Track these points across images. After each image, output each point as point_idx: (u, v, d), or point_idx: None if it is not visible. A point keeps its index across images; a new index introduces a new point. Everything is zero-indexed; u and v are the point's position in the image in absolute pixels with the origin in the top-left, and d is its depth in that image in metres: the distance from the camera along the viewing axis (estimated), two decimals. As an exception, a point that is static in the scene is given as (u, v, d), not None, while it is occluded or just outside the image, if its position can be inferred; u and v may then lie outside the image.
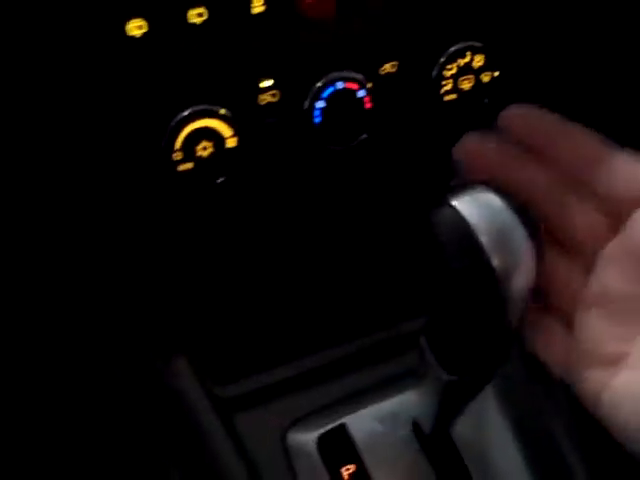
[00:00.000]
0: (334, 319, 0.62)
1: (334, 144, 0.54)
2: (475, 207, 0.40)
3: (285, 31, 0.49)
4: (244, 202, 0.56)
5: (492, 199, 0.40)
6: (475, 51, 0.55)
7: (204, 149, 0.51)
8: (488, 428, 0.60)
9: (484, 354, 0.45)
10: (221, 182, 0.53)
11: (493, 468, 0.59)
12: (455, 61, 0.54)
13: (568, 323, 0.42)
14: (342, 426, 0.59)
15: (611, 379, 0.39)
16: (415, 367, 0.52)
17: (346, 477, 0.57)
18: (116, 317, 0.59)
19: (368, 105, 0.54)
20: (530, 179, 0.43)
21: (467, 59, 0.55)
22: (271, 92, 0.52)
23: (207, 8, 0.47)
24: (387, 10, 0.52)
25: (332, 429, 0.59)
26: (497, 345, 0.44)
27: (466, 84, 0.55)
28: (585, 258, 0.42)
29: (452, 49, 0.54)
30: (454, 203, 0.40)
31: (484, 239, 0.39)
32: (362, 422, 0.59)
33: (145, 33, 0.46)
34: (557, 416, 0.61)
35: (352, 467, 0.57)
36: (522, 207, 0.40)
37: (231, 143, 0.51)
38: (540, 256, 0.40)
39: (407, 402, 0.59)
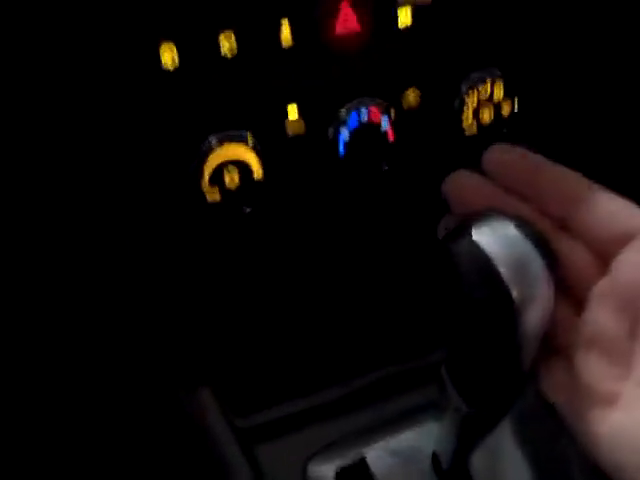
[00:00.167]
0: (355, 350, 0.63)
1: (357, 175, 0.56)
2: (494, 238, 0.40)
3: (312, 63, 0.51)
4: (270, 231, 0.57)
5: (511, 230, 0.40)
6: (494, 79, 0.56)
7: (232, 181, 0.52)
8: (505, 462, 0.59)
9: (502, 386, 0.45)
10: (248, 212, 0.54)
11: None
12: (475, 89, 0.56)
13: (569, 363, 0.42)
14: (362, 459, 0.59)
15: (606, 419, 0.39)
16: (435, 399, 0.53)
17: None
18: (141, 349, 0.60)
19: (391, 138, 0.55)
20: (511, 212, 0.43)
21: (487, 87, 0.56)
22: (297, 124, 0.53)
23: (238, 42, 0.49)
24: (410, 41, 0.53)
25: (352, 461, 0.59)
26: (515, 377, 0.44)
27: (486, 117, 0.57)
28: (577, 296, 0.42)
29: (472, 76, 0.56)
30: (473, 234, 0.41)
31: (503, 270, 0.39)
32: (381, 455, 0.59)
33: (178, 66, 0.48)
34: (572, 450, 0.61)
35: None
36: (540, 238, 0.40)
37: (258, 175, 0.53)
38: (557, 285, 0.41)
39: (427, 435, 0.59)
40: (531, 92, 0.58)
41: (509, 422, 0.59)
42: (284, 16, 0.49)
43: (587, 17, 0.58)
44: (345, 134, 0.54)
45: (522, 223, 0.41)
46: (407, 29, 0.52)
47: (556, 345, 0.43)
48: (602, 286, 0.41)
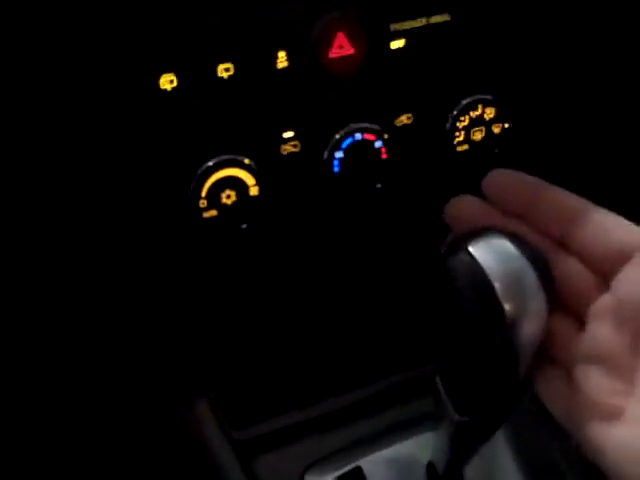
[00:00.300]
0: (351, 363, 0.64)
1: (351, 193, 0.57)
2: (490, 253, 0.41)
3: (307, 85, 0.52)
4: (266, 247, 0.58)
5: (506, 245, 0.41)
6: (486, 104, 0.57)
7: (228, 197, 0.53)
8: (499, 469, 0.60)
9: (497, 397, 0.46)
10: (244, 228, 0.55)
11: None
12: (467, 113, 0.57)
13: (568, 375, 0.43)
14: (358, 469, 0.60)
15: (610, 433, 0.40)
16: (431, 410, 0.54)
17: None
18: (140, 362, 0.61)
19: (384, 156, 0.56)
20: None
21: (478, 112, 0.57)
22: (292, 143, 0.54)
23: (234, 64, 0.50)
24: (404, 66, 0.54)
25: (348, 472, 0.60)
26: (508, 389, 0.45)
27: (478, 135, 0.58)
28: (577, 312, 0.43)
29: (464, 102, 0.57)
30: (470, 249, 0.41)
31: (497, 284, 0.40)
32: (377, 465, 0.60)
33: (175, 87, 0.49)
34: (566, 457, 0.62)
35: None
36: (535, 254, 0.41)
37: (254, 192, 0.54)
38: (552, 302, 0.41)
39: (422, 445, 0.59)
40: (522, 114, 0.59)
41: (503, 429, 0.60)
42: (281, 47, 0.51)
43: (578, 40, 0.59)
44: (339, 153, 0.55)
45: (518, 239, 0.42)
46: (399, 53, 0.54)
47: (556, 359, 0.43)
48: (603, 303, 0.42)
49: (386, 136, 0.55)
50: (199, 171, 0.52)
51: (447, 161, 0.58)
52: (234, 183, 0.53)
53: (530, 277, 0.41)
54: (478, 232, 0.43)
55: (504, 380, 0.44)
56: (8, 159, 0.48)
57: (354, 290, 0.63)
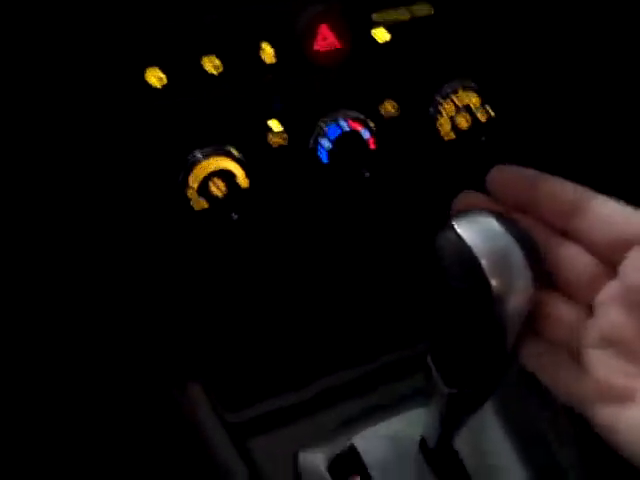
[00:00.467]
0: (343, 343, 0.65)
1: (340, 182, 0.58)
2: (476, 231, 0.42)
3: (293, 77, 0.53)
4: (258, 235, 0.60)
5: (492, 223, 0.43)
6: (469, 89, 0.59)
7: (218, 189, 0.55)
8: (488, 441, 0.62)
9: (484, 370, 0.47)
10: (235, 219, 0.56)
11: (492, 473, 0.61)
12: (450, 100, 0.58)
13: (576, 358, 0.43)
14: (352, 446, 0.61)
15: (623, 414, 0.41)
16: (422, 387, 0.55)
17: (358, 493, 0.60)
18: (133, 346, 0.62)
19: (372, 146, 0.57)
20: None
21: (462, 97, 0.59)
22: (280, 134, 0.55)
23: (219, 57, 0.51)
24: (387, 55, 0.56)
25: (342, 450, 0.61)
26: (495, 362, 0.47)
27: (464, 123, 0.59)
28: (584, 299, 0.43)
29: (446, 88, 0.58)
30: (456, 227, 0.43)
31: (484, 262, 0.41)
32: (371, 441, 0.61)
33: (165, 84, 0.50)
34: (553, 428, 0.64)
35: (363, 484, 0.60)
36: (521, 232, 0.43)
37: (244, 183, 0.55)
38: (539, 279, 0.43)
39: (414, 420, 0.61)
40: (506, 100, 0.60)
41: (492, 402, 0.62)
42: (266, 40, 0.52)
43: (559, 25, 0.61)
44: (327, 143, 0.56)
45: (504, 218, 0.43)
46: (384, 45, 0.55)
47: (563, 345, 0.44)
48: (611, 289, 0.43)
49: (373, 126, 0.57)
50: (188, 162, 0.53)
51: (435, 150, 0.60)
52: (224, 175, 0.54)
53: (516, 254, 0.42)
54: (465, 212, 0.44)
55: (491, 353, 0.45)
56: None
57: (345, 274, 0.64)
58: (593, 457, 0.62)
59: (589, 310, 0.44)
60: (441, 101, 0.58)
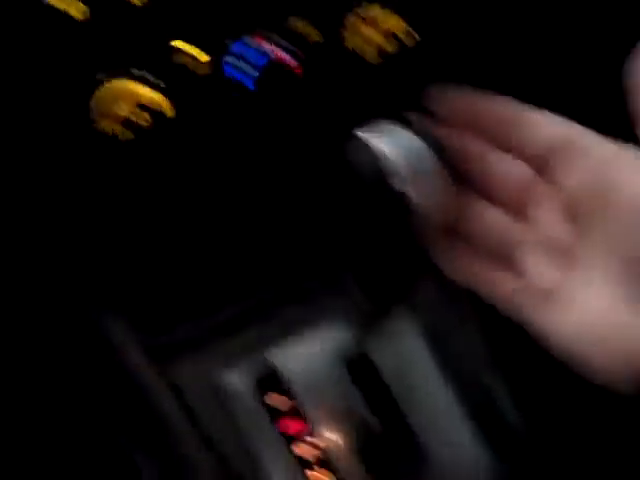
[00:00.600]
0: (261, 264, 0.65)
1: (266, 110, 0.58)
2: (385, 138, 0.43)
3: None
4: (183, 164, 0.59)
5: (401, 131, 0.44)
6: (388, 11, 0.59)
7: (142, 120, 0.53)
8: (407, 350, 0.65)
9: (397, 277, 0.49)
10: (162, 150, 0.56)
11: (413, 386, 0.64)
12: (365, 21, 0.59)
13: (511, 265, 0.45)
14: (271, 363, 0.63)
15: (555, 317, 0.42)
16: (339, 301, 0.57)
17: (277, 407, 0.61)
18: (46, 276, 0.61)
19: (298, 72, 0.57)
20: (457, 141, 0.46)
21: (384, 20, 0.59)
22: (204, 62, 0.55)
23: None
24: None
25: (262, 367, 0.63)
26: (408, 268, 0.48)
27: (388, 47, 0.60)
28: (521, 206, 0.45)
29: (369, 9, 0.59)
30: (365, 136, 0.44)
31: (394, 167, 0.42)
32: (292, 358, 0.63)
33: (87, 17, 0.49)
34: (477, 340, 0.67)
35: (282, 397, 0.62)
36: (430, 137, 0.44)
37: (169, 113, 0.54)
38: (454, 184, 0.44)
39: (332, 333, 0.63)
40: (430, 22, 0.61)
41: (412, 316, 0.64)
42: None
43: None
44: (253, 71, 0.56)
45: (414, 126, 0.44)
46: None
47: (496, 252, 0.45)
48: (545, 192, 0.44)
49: (299, 53, 0.57)
50: (99, 89, 0.52)
51: (362, 75, 0.60)
52: (149, 106, 0.53)
53: (428, 158, 0.43)
54: (375, 122, 0.45)
55: (404, 259, 0.47)
56: None
57: (261, 193, 0.64)
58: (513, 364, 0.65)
59: (525, 217, 0.45)
60: (362, 24, 0.59)
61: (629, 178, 0.41)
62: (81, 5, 0.49)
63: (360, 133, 0.44)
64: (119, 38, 0.52)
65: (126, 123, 0.53)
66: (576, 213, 0.43)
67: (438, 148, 0.44)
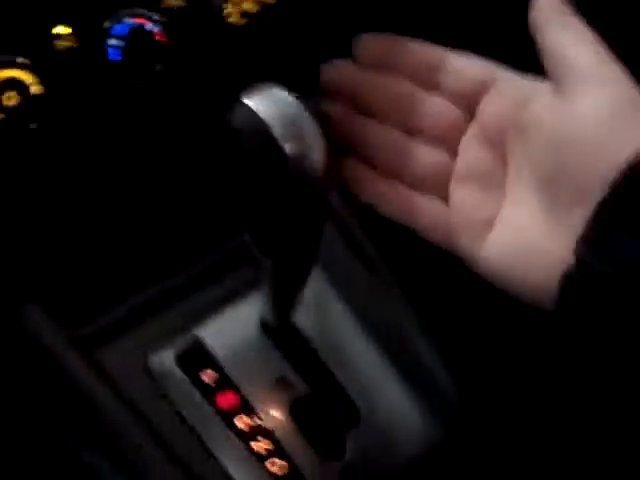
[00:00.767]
0: (172, 244, 0.65)
1: (133, 79, 0.57)
2: (266, 102, 0.44)
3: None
4: (63, 144, 0.58)
5: (281, 94, 0.45)
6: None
7: (9, 99, 0.53)
8: (329, 313, 0.65)
9: (295, 235, 0.49)
10: (34, 128, 0.55)
11: (340, 349, 0.65)
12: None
13: (439, 197, 0.49)
14: (197, 339, 0.63)
15: (485, 241, 0.46)
16: (254, 274, 0.57)
17: (209, 383, 0.61)
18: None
19: (163, 39, 0.57)
20: (385, 84, 0.50)
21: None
22: (67, 37, 0.54)
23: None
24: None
25: (188, 344, 0.63)
26: (303, 226, 0.48)
27: (252, 8, 0.59)
28: (450, 143, 0.49)
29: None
30: (246, 101, 0.44)
31: (275, 130, 0.43)
32: (214, 332, 0.63)
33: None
34: (397, 301, 0.67)
35: (212, 373, 0.62)
36: (307, 98, 0.45)
37: (37, 90, 0.53)
38: (329, 141, 0.45)
39: (255, 303, 0.63)
40: None
41: (323, 276, 0.65)
42: None
43: None
44: (117, 41, 0.55)
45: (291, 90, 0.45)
46: None
47: (431, 189, 0.49)
48: (471, 130, 0.48)
49: (162, 20, 0.56)
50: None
51: (224, 36, 0.59)
52: (14, 84, 0.53)
53: (306, 119, 0.44)
54: (256, 87, 0.46)
55: (297, 217, 0.47)
56: None
57: (157, 173, 0.63)
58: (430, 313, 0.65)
59: (454, 152, 0.49)
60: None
61: (546, 113, 0.44)
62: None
63: (241, 96, 0.45)
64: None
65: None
66: (499, 146, 0.47)
67: (313, 107, 0.45)
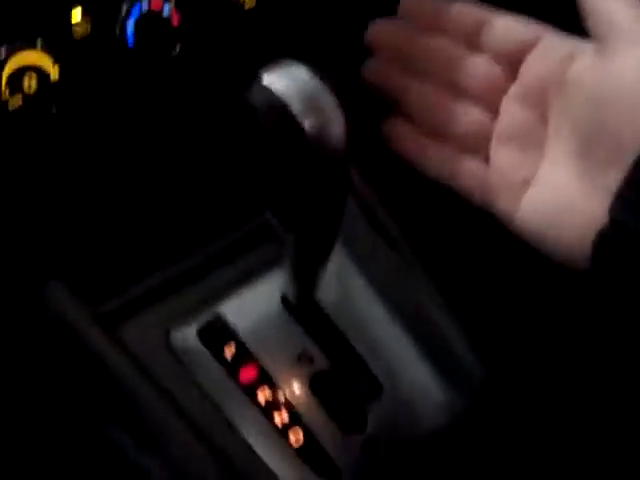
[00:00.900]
0: (194, 222, 0.65)
1: (148, 64, 0.57)
2: (283, 79, 0.44)
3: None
4: (82, 129, 0.58)
5: (299, 71, 0.44)
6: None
7: (29, 87, 0.53)
8: (350, 289, 0.65)
9: (316, 210, 0.49)
10: (54, 114, 0.55)
11: (362, 325, 0.64)
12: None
13: (480, 154, 0.49)
14: (219, 315, 0.63)
15: (522, 199, 0.47)
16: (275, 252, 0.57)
17: (230, 357, 0.62)
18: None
19: (175, 23, 0.56)
20: (429, 44, 0.51)
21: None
22: (83, 24, 0.54)
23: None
24: None
25: (210, 320, 0.63)
26: (324, 200, 0.48)
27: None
28: (492, 102, 0.49)
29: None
30: (264, 78, 0.44)
31: (294, 106, 0.43)
32: (235, 308, 0.63)
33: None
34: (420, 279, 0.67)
35: (234, 347, 0.62)
36: (326, 76, 0.45)
37: (55, 77, 0.53)
38: (349, 117, 0.45)
39: (277, 280, 0.63)
40: None
41: (345, 252, 0.65)
42: None
43: None
44: (130, 26, 0.55)
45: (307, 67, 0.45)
46: None
47: (472, 147, 0.50)
48: (513, 90, 0.49)
49: (174, 3, 0.56)
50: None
51: (237, 19, 0.59)
52: (34, 72, 0.52)
53: (325, 95, 0.44)
54: (274, 64, 0.45)
55: (320, 192, 0.47)
56: None
57: (179, 154, 0.63)
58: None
59: (495, 112, 0.49)
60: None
61: (587, 72, 0.45)
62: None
63: (259, 74, 0.45)
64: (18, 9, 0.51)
65: (13, 90, 0.52)
66: (540, 105, 0.47)
67: (331, 84, 0.44)
